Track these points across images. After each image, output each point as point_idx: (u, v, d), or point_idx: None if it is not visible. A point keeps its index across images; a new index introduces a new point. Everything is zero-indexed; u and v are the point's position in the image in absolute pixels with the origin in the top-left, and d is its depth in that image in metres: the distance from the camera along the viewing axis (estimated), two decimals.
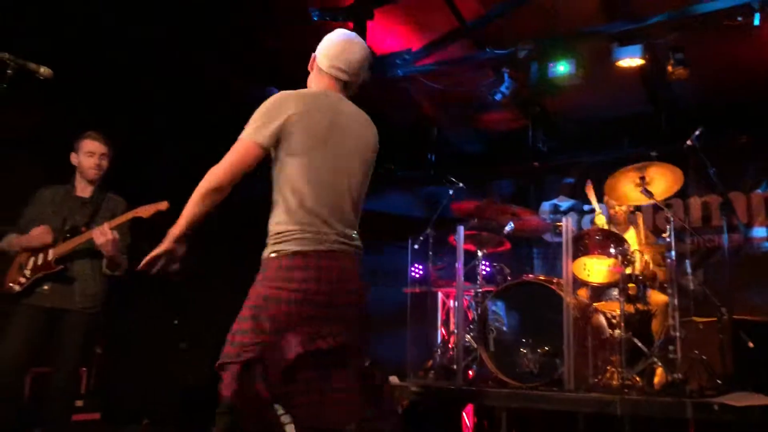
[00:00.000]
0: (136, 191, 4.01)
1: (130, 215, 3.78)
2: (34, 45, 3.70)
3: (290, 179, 2.47)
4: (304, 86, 2.71)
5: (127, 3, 5.17)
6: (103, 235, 3.63)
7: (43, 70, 2.81)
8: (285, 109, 2.47)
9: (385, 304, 7.32)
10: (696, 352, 4.36)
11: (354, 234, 2.57)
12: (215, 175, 2.43)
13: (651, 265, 4.96)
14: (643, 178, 4.69)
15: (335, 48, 2.62)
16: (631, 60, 5.29)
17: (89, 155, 3.89)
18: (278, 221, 2.47)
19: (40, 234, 3.72)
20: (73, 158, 3.93)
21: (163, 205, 3.76)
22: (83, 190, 3.94)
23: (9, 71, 2.70)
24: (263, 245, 2.51)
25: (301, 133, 2.47)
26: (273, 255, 2.44)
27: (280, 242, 2.44)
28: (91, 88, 5.19)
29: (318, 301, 2.40)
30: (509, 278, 5.21)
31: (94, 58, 5.17)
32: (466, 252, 5.21)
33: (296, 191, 2.45)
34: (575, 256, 4.82)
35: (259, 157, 2.46)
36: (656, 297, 4.83)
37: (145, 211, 3.76)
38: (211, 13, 5.54)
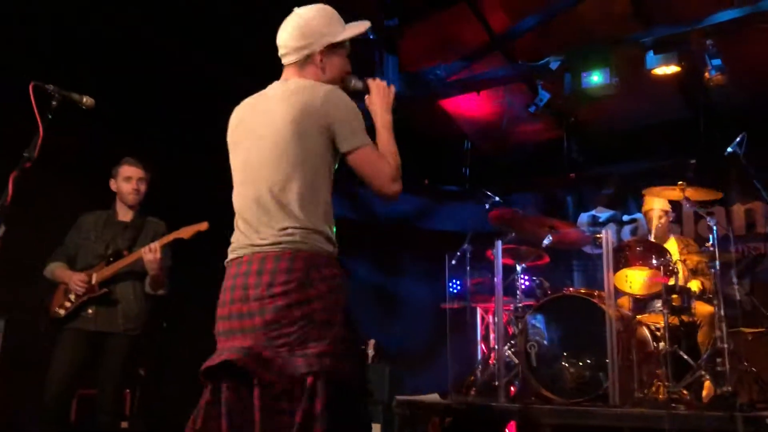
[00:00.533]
0: (173, 213, 4.09)
1: (172, 236, 3.86)
2: (75, 74, 3.82)
3: None
4: None
5: (169, 30, 5.31)
6: (152, 252, 3.72)
7: (86, 100, 2.89)
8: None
9: (424, 321, 7.32)
10: (745, 364, 4.24)
11: (280, 233, 2.16)
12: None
13: (695, 275, 4.86)
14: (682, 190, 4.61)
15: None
16: (666, 67, 5.20)
17: (127, 180, 3.99)
18: None
19: (80, 281, 3.76)
20: (112, 184, 4.04)
21: (204, 226, 3.84)
22: (124, 214, 4.03)
23: (54, 102, 2.78)
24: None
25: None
26: None
27: None
28: (130, 115, 5.31)
29: (222, 314, 2.23)
30: (549, 292, 5.14)
31: (136, 84, 5.30)
32: (505, 266, 5.16)
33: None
34: (616, 268, 4.72)
35: None
36: (702, 308, 4.71)
37: (186, 232, 3.85)
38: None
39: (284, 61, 2.39)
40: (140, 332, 3.90)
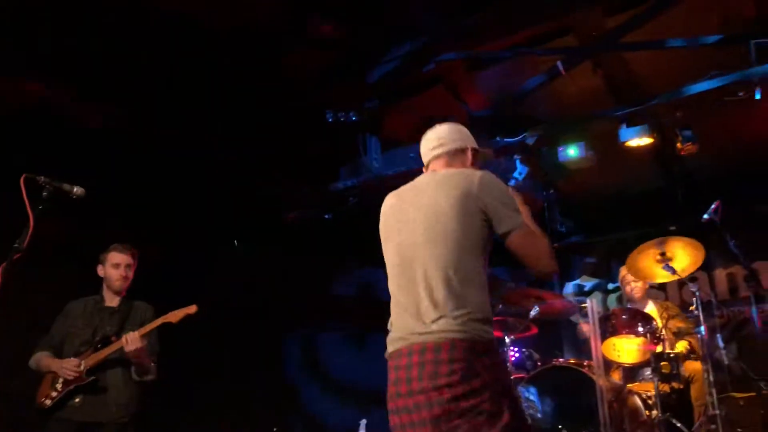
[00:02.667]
0: (161, 297, 4.11)
1: (160, 321, 3.86)
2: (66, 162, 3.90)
3: None
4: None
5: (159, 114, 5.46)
6: (132, 342, 3.69)
7: (77, 190, 2.94)
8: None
9: None
10: (738, 429, 4.23)
11: (440, 320, 2.17)
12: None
13: (679, 337, 4.90)
14: (663, 254, 4.71)
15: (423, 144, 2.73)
16: (639, 140, 5.38)
17: (115, 267, 4.01)
18: None
19: (71, 367, 3.73)
20: (100, 270, 4.06)
21: (192, 309, 3.85)
22: (111, 300, 4.05)
23: (45, 193, 2.83)
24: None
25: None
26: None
27: None
28: (116, 201, 5.39)
29: (391, 408, 2.23)
30: (539, 363, 5.13)
31: (122, 175, 5.41)
32: (496, 339, 5.15)
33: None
34: (604, 337, 4.75)
35: None
36: (691, 365, 4.74)
37: (175, 316, 3.86)
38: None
39: (437, 152, 2.59)
40: (129, 420, 3.83)
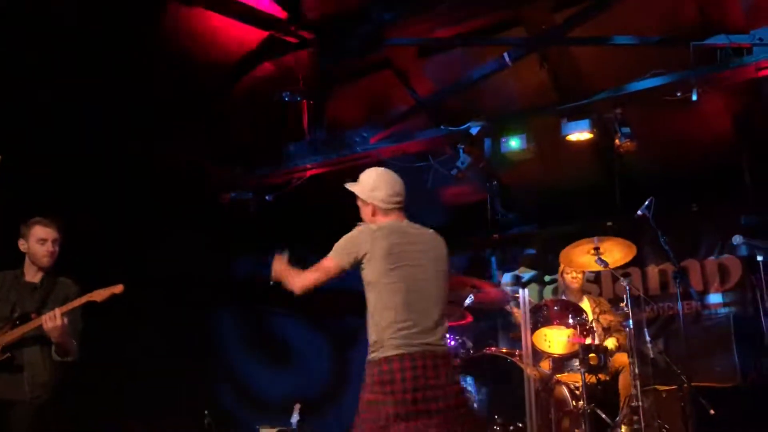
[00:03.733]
0: (86, 272, 3.96)
1: (84, 299, 3.71)
2: None
3: (382, 298, 2.96)
4: None
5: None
6: (52, 320, 3.55)
7: None
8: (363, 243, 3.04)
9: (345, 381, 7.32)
10: (659, 421, 4.36)
11: (442, 338, 3.03)
12: (303, 279, 3.08)
13: (609, 333, 5.02)
14: (597, 249, 4.80)
15: (385, 188, 3.18)
16: (579, 134, 5.46)
17: (41, 242, 3.82)
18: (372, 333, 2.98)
19: None
20: (22, 245, 3.86)
21: (118, 288, 3.72)
22: (33, 275, 3.86)
23: None
24: None
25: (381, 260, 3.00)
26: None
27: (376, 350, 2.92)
28: (38, 171, 5.20)
29: (402, 399, 2.81)
30: (472, 351, 5.18)
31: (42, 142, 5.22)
32: None
33: (388, 308, 2.93)
34: (535, 327, 4.84)
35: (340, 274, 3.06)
36: (620, 358, 4.86)
37: (99, 295, 3.71)
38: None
39: (399, 204, 3.19)
40: (47, 399, 3.69)
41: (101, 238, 5.64)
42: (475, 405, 4.76)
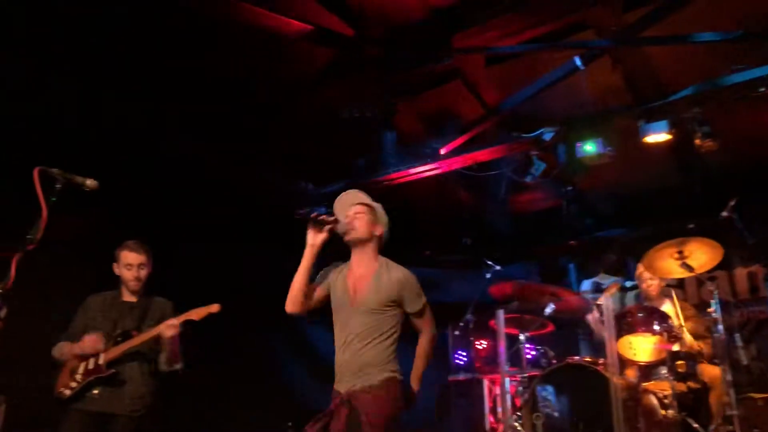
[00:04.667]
0: (179, 293, 4.12)
1: (183, 318, 3.86)
2: (78, 155, 3.93)
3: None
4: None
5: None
6: (170, 328, 3.75)
7: (89, 182, 2.92)
8: None
9: (430, 395, 7.25)
10: (756, 430, 4.17)
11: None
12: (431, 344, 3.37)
13: (696, 339, 4.84)
14: (681, 252, 4.65)
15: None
16: (658, 136, 5.32)
17: (128, 267, 4.00)
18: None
19: (91, 341, 3.79)
20: (115, 269, 4.06)
21: (215, 308, 3.86)
22: (129, 295, 4.06)
23: (58, 185, 2.82)
24: None
25: None
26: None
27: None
28: (136, 195, 5.44)
29: None
30: (554, 361, 5.10)
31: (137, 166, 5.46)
32: (510, 336, 5.14)
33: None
34: (619, 335, 4.71)
35: None
36: (710, 371, 4.66)
37: (198, 313, 3.87)
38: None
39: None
40: (145, 413, 3.86)
41: (192, 260, 5.82)
42: (556, 414, 4.66)
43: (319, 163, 6.78)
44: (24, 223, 2.71)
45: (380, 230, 3.37)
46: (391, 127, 6.27)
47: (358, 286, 3.26)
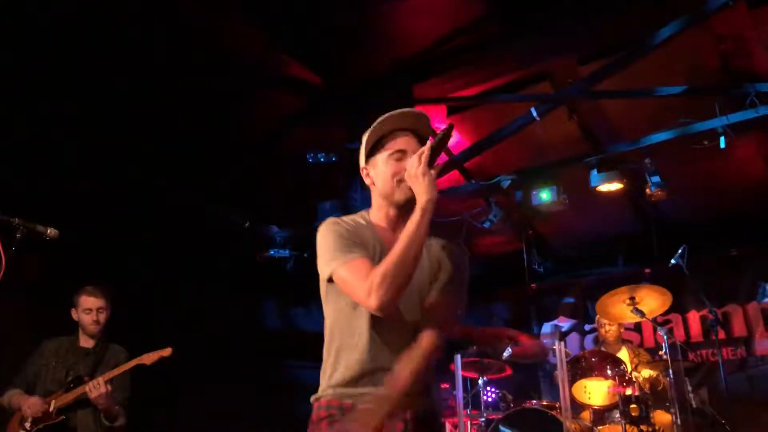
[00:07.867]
0: (139, 338, 4.12)
1: (133, 363, 3.85)
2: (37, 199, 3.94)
3: None
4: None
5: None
6: (96, 388, 3.69)
7: (51, 231, 2.89)
8: None
9: None
10: None
11: None
12: None
13: (653, 384, 4.96)
14: (633, 298, 4.81)
15: None
16: (609, 185, 5.51)
17: (87, 312, 3.99)
18: None
19: (33, 407, 3.74)
20: (74, 313, 4.04)
21: (167, 352, 3.85)
22: (86, 341, 4.04)
23: (18, 234, 2.82)
24: None
25: None
26: None
27: None
28: (95, 240, 5.43)
29: None
30: (512, 405, 5.17)
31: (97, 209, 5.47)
32: (469, 379, 5.19)
33: None
34: (575, 379, 4.82)
35: None
36: (661, 417, 4.77)
37: (149, 358, 3.85)
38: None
39: None
40: None
41: (149, 301, 5.81)
42: None
43: (284, 205, 6.86)
44: None
45: None
46: (355, 172, 6.36)
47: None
